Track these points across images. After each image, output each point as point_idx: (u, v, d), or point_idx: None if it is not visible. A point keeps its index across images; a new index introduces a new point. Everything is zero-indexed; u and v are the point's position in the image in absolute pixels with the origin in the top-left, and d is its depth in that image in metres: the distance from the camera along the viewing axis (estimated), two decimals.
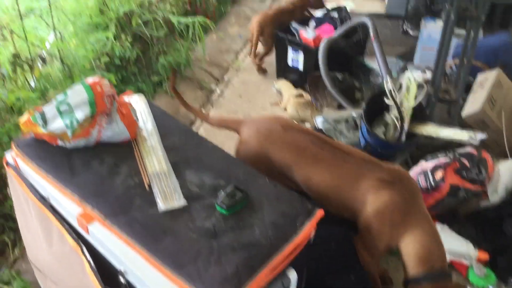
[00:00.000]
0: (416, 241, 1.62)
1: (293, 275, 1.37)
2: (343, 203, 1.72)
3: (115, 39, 2.99)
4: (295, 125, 1.91)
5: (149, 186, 1.45)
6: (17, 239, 2.05)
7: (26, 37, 2.54)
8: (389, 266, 2.10)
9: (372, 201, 1.65)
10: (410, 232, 1.63)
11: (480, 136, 2.11)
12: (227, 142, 2.65)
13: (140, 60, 3.18)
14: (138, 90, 3.01)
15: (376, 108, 2.48)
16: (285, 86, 3.28)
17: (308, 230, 1.40)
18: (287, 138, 1.80)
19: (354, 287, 1.80)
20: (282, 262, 1.32)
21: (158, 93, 3.08)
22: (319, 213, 1.45)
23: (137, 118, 1.70)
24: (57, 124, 1.50)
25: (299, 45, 3.23)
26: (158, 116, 1.78)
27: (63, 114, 1.50)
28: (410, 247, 1.63)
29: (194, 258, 1.25)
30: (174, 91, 2.18)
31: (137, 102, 1.81)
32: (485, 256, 2.04)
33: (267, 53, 3.52)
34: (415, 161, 2.36)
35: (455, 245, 2.08)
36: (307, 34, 3.23)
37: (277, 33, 3.34)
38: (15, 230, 2.00)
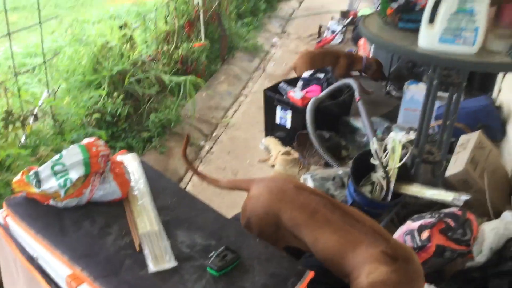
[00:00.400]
0: None
1: None
2: (343, 268, 1.71)
3: (107, 96, 3.06)
4: (308, 187, 1.93)
5: (140, 246, 1.46)
6: None
7: (19, 94, 2.59)
8: None
9: (368, 272, 1.62)
10: None
11: (464, 197, 2.16)
12: (215, 199, 2.68)
13: (131, 116, 3.24)
14: (128, 146, 3.04)
15: (362, 167, 2.54)
16: (273, 144, 3.35)
17: None
18: (300, 199, 1.80)
19: None
20: None
21: (148, 150, 3.12)
22: (310, 275, 1.47)
23: (130, 178, 1.72)
24: (51, 184, 1.51)
25: (288, 104, 3.33)
26: (151, 175, 1.80)
27: (57, 174, 1.52)
28: None
29: None
30: (185, 158, 2.20)
31: (130, 161, 1.84)
32: None
33: None
34: (401, 220, 2.39)
35: None
36: (295, 94, 3.34)
37: (266, 91, 3.44)
38: None
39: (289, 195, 1.81)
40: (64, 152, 1.57)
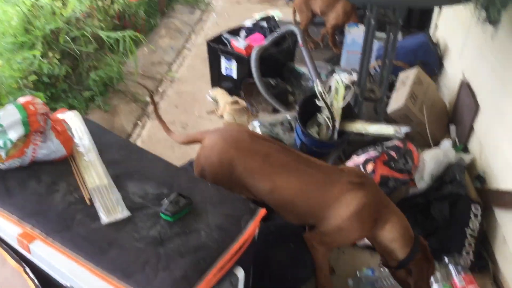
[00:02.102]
0: (397, 227, 1.75)
1: (240, 273, 1.42)
2: (310, 208, 1.77)
3: (42, 57, 2.91)
4: (261, 134, 1.95)
5: (90, 200, 1.45)
6: None
7: None
8: (330, 257, 2.19)
9: (346, 203, 1.71)
10: (389, 221, 1.75)
11: (404, 129, 2.27)
12: (166, 152, 2.67)
13: (70, 76, 3.12)
14: (70, 107, 2.94)
15: (309, 110, 2.59)
16: (220, 95, 3.34)
17: (252, 229, 1.46)
18: (254, 146, 1.81)
19: (293, 254, 1.91)
20: (229, 261, 1.36)
21: (91, 109, 3.03)
22: (262, 212, 1.52)
23: (73, 135, 1.69)
24: None
25: (232, 54, 3.30)
26: (95, 131, 1.77)
27: None
28: (392, 234, 1.74)
29: (141, 266, 1.26)
30: (158, 116, 2.15)
31: (72, 119, 1.79)
32: None
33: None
34: (347, 157, 2.49)
35: None
36: (238, 43, 3.31)
37: (209, 43, 3.39)
38: None
39: (242, 142, 1.83)
40: (0, 112, 1.50)
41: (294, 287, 1.98)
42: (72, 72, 3.11)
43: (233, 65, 3.33)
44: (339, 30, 4.00)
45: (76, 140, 1.69)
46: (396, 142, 2.31)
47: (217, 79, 3.48)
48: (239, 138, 1.84)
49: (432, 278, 2.03)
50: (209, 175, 1.82)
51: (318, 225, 1.79)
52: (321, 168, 1.80)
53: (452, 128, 2.85)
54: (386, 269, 1.91)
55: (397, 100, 2.80)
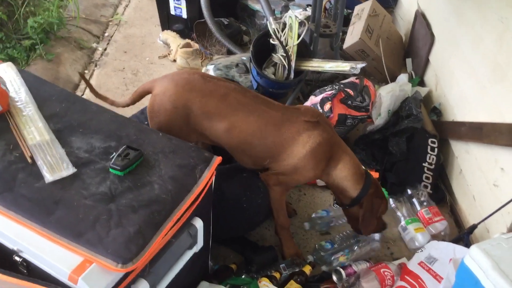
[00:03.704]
0: (348, 165, 1.77)
1: (198, 223, 1.39)
2: (267, 149, 1.75)
3: None
4: (215, 76, 1.88)
5: (32, 158, 1.35)
6: None
7: None
8: (291, 199, 2.21)
9: (303, 142, 1.71)
10: (341, 160, 1.76)
11: (360, 65, 2.22)
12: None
13: (6, 24, 2.88)
14: (10, 58, 2.73)
15: (264, 50, 2.50)
16: (171, 37, 3.18)
17: (208, 177, 1.42)
18: (208, 86, 1.75)
19: (245, 181, 1.91)
20: (185, 212, 1.32)
21: (33, 59, 2.83)
22: (217, 159, 1.47)
23: (7, 89, 1.55)
24: None
25: None
26: (32, 83, 1.63)
27: None
28: (345, 172, 1.77)
29: (92, 224, 1.20)
30: (95, 93, 2.00)
31: (5, 71, 1.64)
32: (375, 175, 2.22)
33: None
34: (305, 97, 2.45)
35: None
36: None
37: None
38: None
39: (196, 84, 1.76)
40: None
41: (250, 217, 1.96)
42: (7, 19, 2.86)
43: (183, 4, 3.15)
44: None
45: (12, 94, 1.56)
46: (352, 79, 2.28)
47: (167, 20, 3.30)
48: (192, 80, 1.77)
49: (399, 214, 2.09)
50: (164, 124, 1.75)
51: (274, 166, 1.78)
52: (278, 108, 1.77)
53: (408, 61, 2.83)
54: (340, 208, 1.95)
55: (352, 35, 2.74)
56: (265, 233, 2.05)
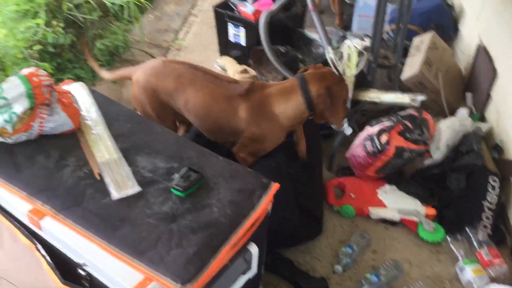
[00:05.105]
0: (279, 99, 1.96)
1: (254, 249, 1.40)
2: (219, 122, 1.99)
3: (46, 25, 2.84)
4: (174, 59, 2.17)
5: (100, 175, 1.42)
6: None
7: None
8: (344, 230, 2.18)
9: (243, 112, 1.94)
10: (274, 103, 1.96)
11: (420, 97, 2.19)
12: None
13: (76, 46, 3.05)
14: (77, 77, 2.89)
15: None
16: (228, 63, 3.26)
17: (265, 204, 1.43)
18: (167, 69, 2.03)
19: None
20: (242, 237, 1.34)
21: (98, 79, 2.97)
22: (275, 186, 1.48)
23: (80, 107, 1.64)
24: None
25: (239, 20, 3.20)
26: (102, 103, 1.72)
27: (0, 109, 1.42)
28: (281, 106, 1.96)
29: (154, 243, 1.24)
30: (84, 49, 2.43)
31: (78, 90, 1.74)
32: (432, 211, 2.16)
33: None
34: (360, 127, 2.43)
35: (404, 204, 2.19)
36: (246, 8, 3.20)
37: (216, 9, 3.29)
38: None
39: (158, 69, 2.04)
40: (4, 85, 1.46)
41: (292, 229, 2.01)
42: (77, 41, 3.03)
43: (241, 31, 3.23)
44: None
45: (84, 112, 1.64)
46: (411, 111, 2.24)
47: (225, 46, 3.39)
48: (155, 66, 2.06)
49: (456, 252, 2.02)
50: (146, 108, 2.07)
51: (237, 140, 2.01)
52: (222, 83, 2.00)
53: (469, 96, 2.76)
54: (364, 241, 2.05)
55: (411, 67, 2.71)
56: (316, 264, 2.03)
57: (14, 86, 1.45)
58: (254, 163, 2.03)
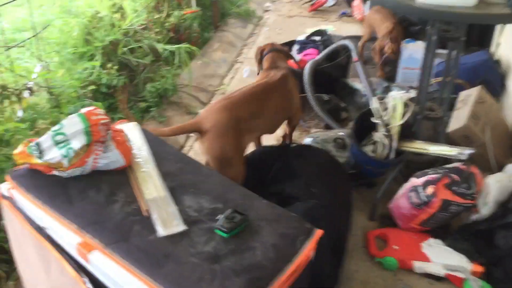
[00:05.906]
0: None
1: None
2: (283, 107, 2.44)
3: (101, 67, 3.00)
4: (225, 96, 2.31)
5: (147, 212, 1.45)
6: (10, 271, 2.01)
7: (12, 68, 2.53)
8: (387, 283, 2.11)
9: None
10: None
11: (468, 151, 2.16)
12: None
13: (127, 87, 3.19)
14: (126, 117, 3.01)
15: (364, 128, 2.53)
16: None
17: (308, 250, 1.41)
18: (231, 102, 2.18)
19: None
20: (285, 283, 1.32)
21: (146, 120, 3.09)
22: (318, 232, 1.47)
23: (132, 145, 1.70)
24: (53, 154, 1.49)
25: None
26: (152, 142, 1.78)
27: (59, 144, 1.50)
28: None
29: (197, 282, 1.24)
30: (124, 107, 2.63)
31: (131, 130, 1.81)
32: (479, 268, 2.07)
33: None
34: (405, 178, 2.40)
35: (449, 259, 2.11)
36: None
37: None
38: (8, 262, 1.96)
39: (227, 105, 2.16)
40: (64, 121, 1.54)
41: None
42: (129, 83, 3.18)
43: None
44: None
45: (135, 150, 1.70)
46: (458, 165, 2.20)
47: None
48: (231, 97, 2.22)
49: None
50: (230, 147, 2.09)
51: (286, 116, 2.56)
52: (263, 83, 2.38)
53: None
54: None
55: (458, 120, 2.68)
56: None
57: (73, 123, 1.53)
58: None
